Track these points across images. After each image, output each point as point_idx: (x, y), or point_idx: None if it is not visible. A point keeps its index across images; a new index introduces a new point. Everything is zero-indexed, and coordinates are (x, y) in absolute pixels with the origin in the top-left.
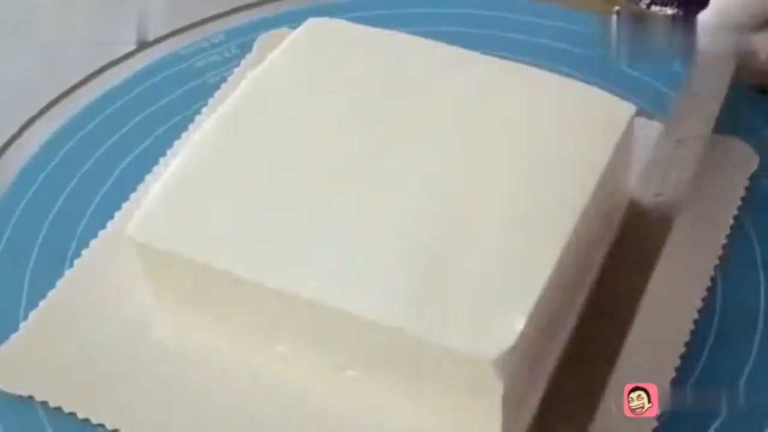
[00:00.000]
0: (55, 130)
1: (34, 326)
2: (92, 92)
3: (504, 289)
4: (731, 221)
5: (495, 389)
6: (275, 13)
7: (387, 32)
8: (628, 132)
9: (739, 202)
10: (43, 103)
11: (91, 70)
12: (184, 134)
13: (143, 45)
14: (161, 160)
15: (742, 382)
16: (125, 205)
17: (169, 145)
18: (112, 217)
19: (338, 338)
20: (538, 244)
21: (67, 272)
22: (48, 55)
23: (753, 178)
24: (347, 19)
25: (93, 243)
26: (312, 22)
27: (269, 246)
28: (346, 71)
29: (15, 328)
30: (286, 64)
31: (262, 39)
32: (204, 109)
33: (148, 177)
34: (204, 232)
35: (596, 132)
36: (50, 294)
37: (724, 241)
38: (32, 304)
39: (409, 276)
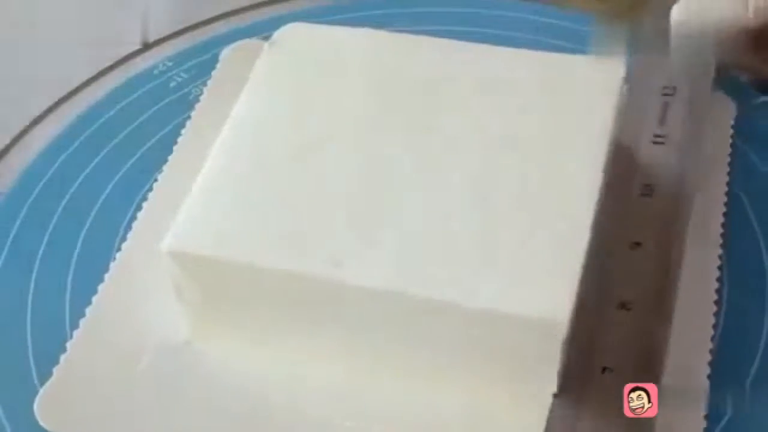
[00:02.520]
0: (58, 132)
1: (73, 361)
2: (96, 93)
3: (549, 253)
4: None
5: (554, 353)
6: (287, 12)
7: (363, 30)
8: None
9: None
10: (46, 105)
11: (94, 72)
12: (174, 147)
13: (148, 45)
14: (160, 174)
15: (748, 382)
16: (136, 224)
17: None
18: (117, 218)
19: (397, 327)
20: (571, 206)
21: (96, 296)
22: (50, 56)
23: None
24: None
25: (113, 265)
26: (289, 28)
27: (320, 240)
28: (341, 72)
29: (21, 327)
30: (282, 70)
31: (227, 52)
32: (188, 123)
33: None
34: (251, 235)
35: (596, 93)
36: (82, 325)
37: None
38: (38, 306)
39: (461, 255)
